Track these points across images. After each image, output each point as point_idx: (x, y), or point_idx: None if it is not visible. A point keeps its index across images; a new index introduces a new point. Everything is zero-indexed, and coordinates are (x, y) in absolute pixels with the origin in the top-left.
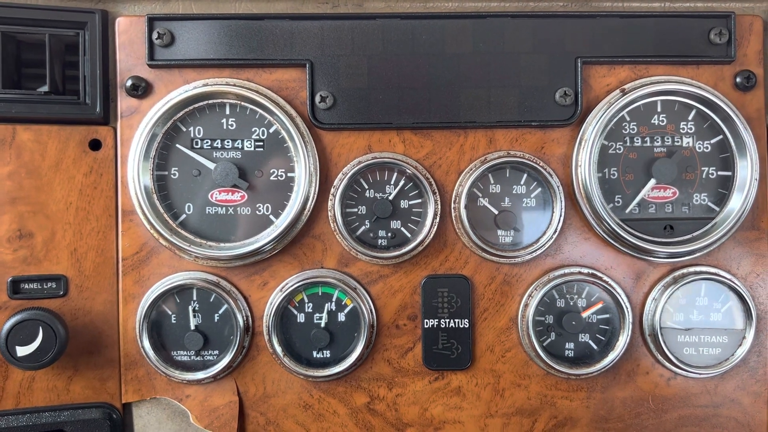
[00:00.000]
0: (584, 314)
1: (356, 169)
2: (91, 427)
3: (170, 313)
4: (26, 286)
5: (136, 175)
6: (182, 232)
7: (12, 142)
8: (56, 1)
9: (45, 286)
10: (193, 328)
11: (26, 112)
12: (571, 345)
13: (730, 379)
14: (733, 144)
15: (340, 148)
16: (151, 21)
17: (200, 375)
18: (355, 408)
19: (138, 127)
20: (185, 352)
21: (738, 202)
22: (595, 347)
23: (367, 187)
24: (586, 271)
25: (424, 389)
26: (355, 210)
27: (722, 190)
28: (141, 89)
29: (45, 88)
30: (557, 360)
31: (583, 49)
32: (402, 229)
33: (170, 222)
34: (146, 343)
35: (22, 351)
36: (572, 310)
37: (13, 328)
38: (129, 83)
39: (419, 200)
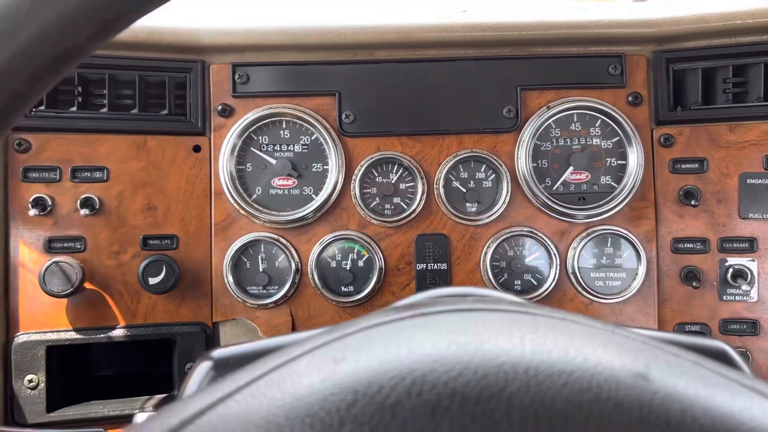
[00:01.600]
0: (526, 260)
1: (369, 162)
2: (193, 338)
3: (246, 260)
4: (151, 242)
5: (224, 168)
6: (254, 205)
7: (144, 147)
8: (172, 55)
9: (163, 242)
10: (261, 270)
11: (153, 128)
12: (519, 281)
13: (630, 304)
14: (626, 142)
15: (358, 149)
16: (234, 67)
17: (266, 301)
18: None
19: (225, 137)
20: (256, 287)
21: (630, 181)
22: (534, 283)
23: (377, 174)
24: (526, 230)
25: None
26: (369, 190)
27: (620, 173)
28: (227, 112)
29: (165, 112)
30: (508, 291)
31: (522, 80)
32: (401, 203)
33: (246, 199)
34: (231, 280)
35: (152, 281)
36: (518, 257)
37: (147, 265)
38: (219, 108)
39: (412, 183)
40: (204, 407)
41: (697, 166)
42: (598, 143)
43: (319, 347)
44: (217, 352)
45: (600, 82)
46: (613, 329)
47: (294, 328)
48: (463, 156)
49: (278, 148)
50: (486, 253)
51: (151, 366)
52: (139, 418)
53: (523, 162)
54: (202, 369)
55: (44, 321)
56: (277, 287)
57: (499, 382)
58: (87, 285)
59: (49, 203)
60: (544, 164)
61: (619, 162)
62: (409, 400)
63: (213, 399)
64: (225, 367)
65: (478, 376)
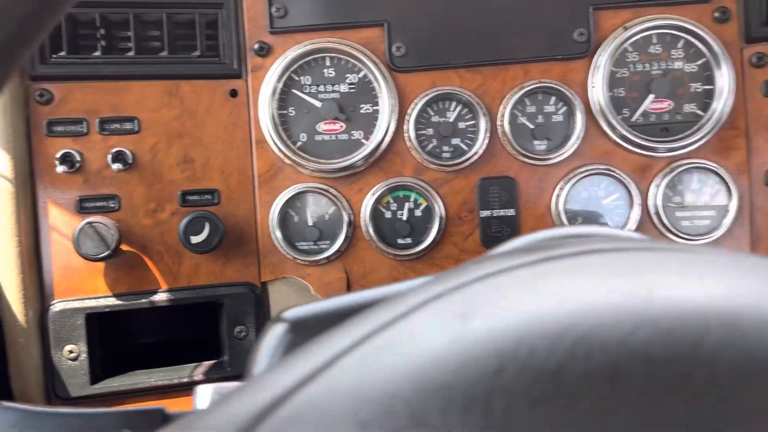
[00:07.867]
0: (604, 202)
1: (424, 100)
2: (241, 300)
3: (293, 214)
4: (191, 198)
5: (265, 114)
6: (300, 153)
7: (177, 93)
8: None
9: (203, 198)
10: (311, 224)
11: (185, 71)
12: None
13: (720, 244)
14: (713, 64)
15: (411, 85)
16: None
17: (318, 257)
18: None
19: (264, 79)
20: (306, 243)
21: (719, 107)
22: (613, 226)
23: (432, 113)
24: (602, 167)
25: None
26: (425, 131)
27: (706, 99)
28: (265, 50)
29: (197, 53)
30: None
31: None
32: (461, 144)
33: (291, 146)
34: (278, 235)
35: (195, 240)
36: (594, 198)
37: (189, 223)
38: (256, 46)
39: (473, 121)
40: (301, 378)
41: None
42: (681, 67)
43: (433, 300)
44: (292, 313)
45: None
46: None
47: (349, 286)
48: (530, 88)
49: (323, 89)
50: (558, 196)
51: (196, 331)
52: (203, 391)
53: (598, 91)
54: (275, 333)
55: (81, 287)
56: (329, 242)
57: (690, 336)
58: (124, 247)
59: (78, 159)
60: (621, 93)
61: (705, 87)
62: (575, 364)
63: (310, 369)
64: (305, 330)
65: (662, 331)
